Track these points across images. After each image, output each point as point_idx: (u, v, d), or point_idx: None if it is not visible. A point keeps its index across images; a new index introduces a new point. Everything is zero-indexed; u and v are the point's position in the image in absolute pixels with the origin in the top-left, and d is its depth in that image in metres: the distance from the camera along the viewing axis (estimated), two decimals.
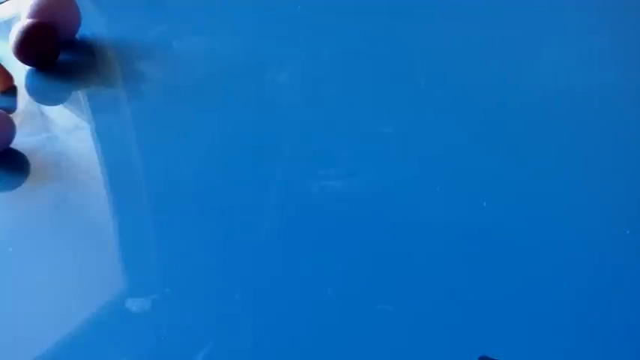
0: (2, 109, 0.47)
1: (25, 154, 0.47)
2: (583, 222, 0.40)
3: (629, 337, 0.33)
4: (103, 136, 0.49)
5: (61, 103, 0.53)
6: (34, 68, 0.55)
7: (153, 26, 0.61)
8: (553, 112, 0.40)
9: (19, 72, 0.54)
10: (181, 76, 0.54)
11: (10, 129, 0.46)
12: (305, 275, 0.37)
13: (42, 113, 0.52)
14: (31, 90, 0.53)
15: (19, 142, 0.47)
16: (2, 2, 0.65)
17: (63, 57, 0.55)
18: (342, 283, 0.36)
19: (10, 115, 0.48)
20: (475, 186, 0.42)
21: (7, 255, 0.39)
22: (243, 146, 0.46)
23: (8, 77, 0.53)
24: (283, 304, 0.36)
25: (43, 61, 0.54)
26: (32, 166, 0.46)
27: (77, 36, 0.58)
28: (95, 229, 0.41)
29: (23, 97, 0.52)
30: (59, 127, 0.51)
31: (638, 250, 0.38)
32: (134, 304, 0.36)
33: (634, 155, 0.44)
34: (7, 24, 0.60)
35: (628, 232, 0.38)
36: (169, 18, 0.63)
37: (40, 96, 0.53)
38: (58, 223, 0.42)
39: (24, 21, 0.53)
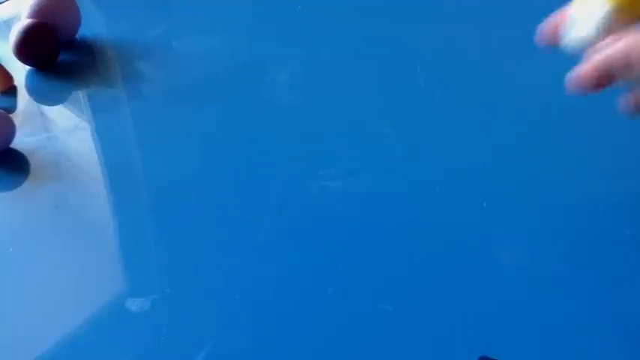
0: (2, 109, 0.47)
1: (25, 154, 0.47)
2: (583, 222, 0.40)
3: (629, 338, 0.33)
4: (103, 136, 0.49)
5: (61, 103, 0.53)
6: (34, 68, 0.55)
7: (153, 26, 0.61)
8: (553, 112, 0.40)
9: (19, 72, 0.54)
10: (181, 76, 0.54)
11: (10, 129, 0.46)
12: (305, 275, 0.37)
13: (42, 113, 0.52)
14: (31, 90, 0.53)
15: (19, 142, 0.47)
16: (2, 2, 0.65)
17: (63, 57, 0.55)
18: (343, 282, 0.36)
19: (10, 115, 0.48)
20: (475, 186, 0.42)
21: (7, 255, 0.39)
22: (243, 146, 0.46)
23: (8, 77, 0.53)
24: (283, 303, 0.36)
25: (43, 61, 0.54)
26: (32, 166, 0.46)
27: (77, 36, 0.58)
28: (95, 229, 0.41)
29: (23, 97, 0.52)
30: (59, 127, 0.51)
31: (638, 250, 0.37)
32: (134, 304, 0.36)
33: (634, 155, 0.44)
34: (7, 24, 0.60)
35: (628, 231, 0.38)
36: (169, 18, 0.63)
37: (40, 96, 0.53)
38: (58, 223, 0.42)
39: (24, 21, 0.53)
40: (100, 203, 0.44)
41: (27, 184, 0.45)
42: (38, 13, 0.54)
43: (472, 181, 0.42)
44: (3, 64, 0.53)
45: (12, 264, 0.39)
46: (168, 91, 0.53)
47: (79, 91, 0.53)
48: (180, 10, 0.64)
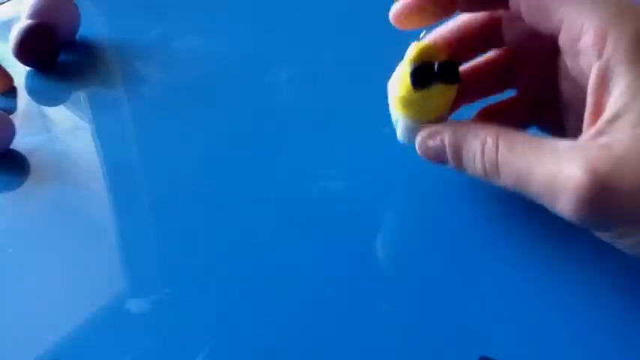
0: (2, 109, 0.47)
1: (25, 154, 0.47)
2: None
3: (631, 338, 0.33)
4: (103, 137, 0.49)
5: (61, 103, 0.53)
6: (33, 69, 0.55)
7: (153, 26, 0.61)
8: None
9: (19, 73, 0.54)
10: (181, 76, 0.54)
11: (9, 130, 0.46)
12: (305, 275, 0.37)
13: (42, 114, 0.52)
14: (31, 91, 0.53)
15: (19, 143, 0.47)
16: (2, 3, 0.65)
17: (63, 57, 0.56)
18: (342, 283, 0.36)
19: (10, 116, 0.48)
20: (476, 185, 0.42)
21: (8, 256, 0.39)
22: (242, 146, 0.46)
23: (8, 78, 0.53)
24: (283, 303, 0.36)
25: (42, 61, 0.54)
26: (32, 167, 0.46)
27: (77, 36, 0.58)
28: (95, 229, 0.41)
29: (23, 98, 0.53)
30: (59, 128, 0.51)
31: None
32: (134, 305, 0.36)
33: None
34: (7, 25, 0.60)
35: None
36: (169, 18, 0.63)
37: (40, 96, 0.53)
38: (58, 224, 0.42)
39: (24, 22, 0.53)
40: (100, 203, 0.44)
41: (27, 185, 0.45)
42: (38, 13, 0.54)
43: (473, 181, 0.42)
44: (3, 64, 0.53)
45: (12, 265, 0.39)
46: (169, 91, 0.53)
47: (79, 92, 0.53)
48: (180, 10, 0.64)
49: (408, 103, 0.35)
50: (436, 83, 0.34)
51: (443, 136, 0.32)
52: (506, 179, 0.29)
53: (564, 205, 0.26)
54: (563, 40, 0.29)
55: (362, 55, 0.55)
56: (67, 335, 0.35)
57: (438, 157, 0.34)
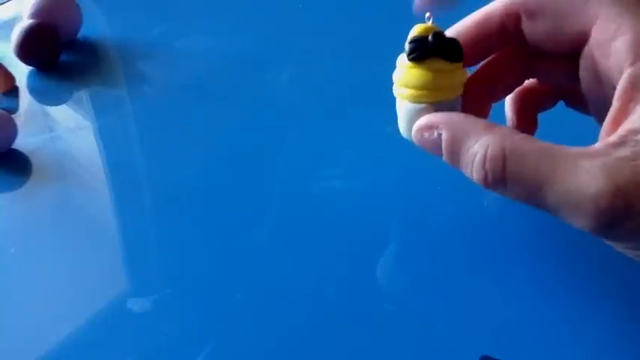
0: (4, 109, 0.48)
1: (27, 154, 0.47)
2: None
3: (631, 342, 0.33)
4: (105, 136, 0.49)
5: (63, 103, 0.53)
6: (35, 68, 0.55)
7: (155, 26, 0.61)
8: (555, 109, 0.40)
9: (21, 72, 0.54)
10: (184, 75, 0.54)
11: (11, 129, 0.47)
12: (306, 275, 0.37)
13: (44, 113, 0.52)
14: (33, 90, 0.53)
15: (21, 143, 0.47)
16: (3, 2, 0.65)
17: (64, 57, 0.56)
18: (343, 283, 0.36)
19: (12, 116, 0.48)
20: (476, 185, 0.42)
21: (9, 255, 0.40)
22: (244, 146, 0.47)
23: (10, 78, 0.53)
24: (284, 304, 0.36)
25: (44, 61, 0.54)
26: (34, 167, 0.46)
27: (78, 36, 0.59)
28: (97, 229, 0.42)
29: (25, 98, 0.53)
30: (61, 127, 0.51)
31: None
32: (136, 305, 0.36)
33: None
34: (9, 24, 0.60)
35: None
36: (171, 17, 0.63)
37: (42, 96, 0.53)
38: (60, 224, 0.42)
39: (25, 21, 0.53)
40: (102, 203, 0.44)
41: (29, 185, 0.45)
42: (39, 13, 0.55)
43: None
44: (4, 64, 0.53)
45: (14, 264, 0.39)
46: (171, 91, 0.53)
47: (81, 91, 0.53)
48: (181, 10, 0.64)
49: (406, 83, 0.32)
50: (434, 57, 0.31)
51: (440, 129, 0.30)
52: (514, 192, 0.27)
53: (582, 219, 0.25)
54: (594, 37, 0.28)
55: (363, 55, 0.55)
56: (69, 334, 0.35)
57: (433, 151, 0.31)
